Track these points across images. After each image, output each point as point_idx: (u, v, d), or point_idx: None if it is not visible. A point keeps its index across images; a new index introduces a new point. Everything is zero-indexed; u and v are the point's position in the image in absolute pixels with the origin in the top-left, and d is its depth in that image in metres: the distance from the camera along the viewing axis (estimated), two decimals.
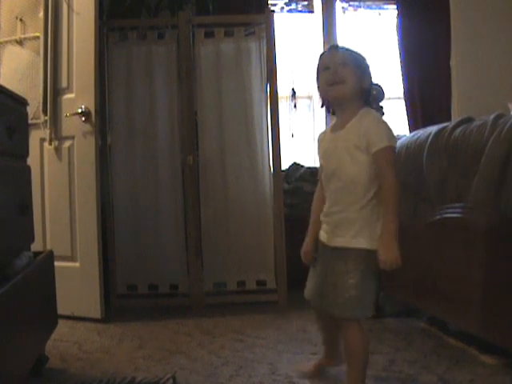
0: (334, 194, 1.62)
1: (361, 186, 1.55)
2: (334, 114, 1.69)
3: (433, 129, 2.31)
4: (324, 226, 1.67)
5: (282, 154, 2.98)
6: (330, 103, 1.67)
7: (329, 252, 1.62)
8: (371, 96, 1.70)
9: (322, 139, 1.73)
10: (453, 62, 3.87)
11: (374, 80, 1.70)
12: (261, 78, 3.00)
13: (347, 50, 1.66)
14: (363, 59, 1.66)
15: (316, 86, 1.68)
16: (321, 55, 1.68)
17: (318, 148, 1.73)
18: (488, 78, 3.78)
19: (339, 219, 1.59)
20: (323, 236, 1.67)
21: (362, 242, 1.54)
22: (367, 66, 1.65)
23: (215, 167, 3.01)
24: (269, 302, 2.93)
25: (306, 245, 1.74)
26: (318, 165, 4.30)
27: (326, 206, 1.67)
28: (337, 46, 1.69)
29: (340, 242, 1.58)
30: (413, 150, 2.20)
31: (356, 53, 1.66)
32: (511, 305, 1.72)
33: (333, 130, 1.66)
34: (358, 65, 1.61)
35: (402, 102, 3.95)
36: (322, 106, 1.70)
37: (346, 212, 1.57)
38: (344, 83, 1.58)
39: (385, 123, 1.56)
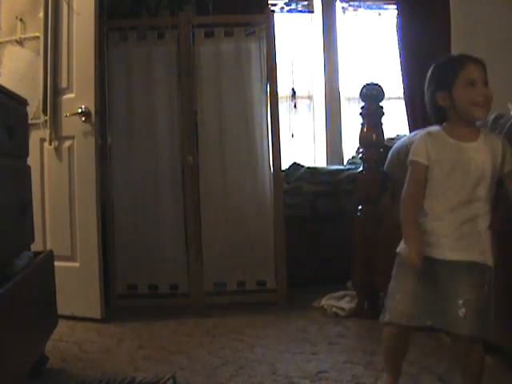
0: (458, 205, 1.50)
1: (489, 201, 1.53)
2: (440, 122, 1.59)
3: None
4: (423, 237, 1.53)
5: (282, 154, 2.97)
6: (454, 115, 1.54)
7: (445, 266, 1.50)
8: None
9: (437, 142, 1.55)
10: None
11: None
12: (261, 78, 2.99)
13: (482, 61, 1.55)
14: None
15: (435, 89, 1.55)
16: (456, 62, 1.55)
17: (427, 147, 1.55)
18: (488, 78, 3.78)
19: (469, 232, 1.50)
20: (434, 252, 1.51)
21: (489, 259, 1.51)
22: None
23: (215, 167, 3.00)
24: (269, 301, 2.92)
25: (417, 247, 1.51)
26: (318, 165, 4.29)
27: (431, 214, 1.54)
28: (475, 57, 1.55)
29: (468, 255, 1.49)
30: None
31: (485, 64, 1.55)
32: (511, 305, 1.72)
33: (456, 138, 1.53)
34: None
35: (402, 102, 3.95)
36: (436, 119, 1.59)
37: (473, 226, 1.50)
38: (490, 104, 1.53)
39: None
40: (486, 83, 1.52)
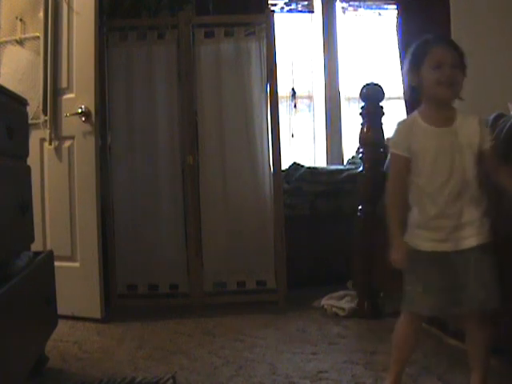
0: (452, 194, 1.52)
1: (478, 181, 1.54)
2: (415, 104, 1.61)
3: None
4: (432, 234, 1.55)
5: (282, 154, 2.97)
6: (429, 97, 1.57)
7: (459, 255, 1.53)
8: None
9: (415, 131, 1.56)
10: None
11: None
12: (261, 78, 2.99)
13: (456, 46, 1.58)
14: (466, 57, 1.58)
15: (407, 69, 1.60)
16: (427, 44, 1.58)
17: (405, 138, 1.57)
18: (488, 78, 3.78)
19: (467, 220, 1.53)
20: (436, 246, 1.55)
21: (489, 235, 1.55)
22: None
23: (215, 167, 3.00)
24: (269, 301, 2.92)
25: (402, 249, 1.56)
26: (318, 165, 4.28)
27: (428, 210, 1.55)
28: (448, 40, 1.62)
29: (474, 240, 1.53)
30: None
31: (461, 50, 1.59)
32: (511, 305, 1.72)
33: (431, 123, 1.55)
34: (464, 65, 1.57)
35: (402, 102, 3.95)
36: (409, 96, 1.65)
37: (472, 210, 1.53)
38: (457, 86, 1.54)
39: None
40: (454, 66, 1.54)
